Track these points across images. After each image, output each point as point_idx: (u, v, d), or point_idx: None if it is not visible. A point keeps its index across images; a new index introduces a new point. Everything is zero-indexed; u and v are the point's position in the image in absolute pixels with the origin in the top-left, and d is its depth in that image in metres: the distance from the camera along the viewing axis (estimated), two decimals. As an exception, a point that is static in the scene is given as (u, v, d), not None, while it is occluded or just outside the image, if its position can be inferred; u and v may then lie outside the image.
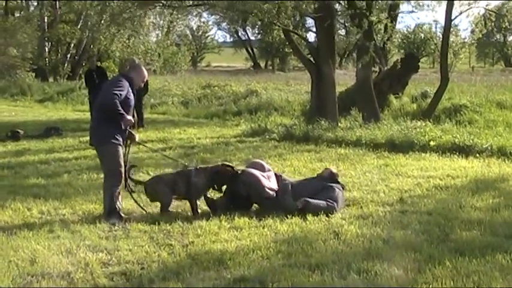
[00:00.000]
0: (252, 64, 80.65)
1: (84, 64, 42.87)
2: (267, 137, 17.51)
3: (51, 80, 42.75)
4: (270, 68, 75.72)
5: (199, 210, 9.07)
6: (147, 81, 20.02)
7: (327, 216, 8.70)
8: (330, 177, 9.65)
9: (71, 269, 6.59)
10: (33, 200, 9.84)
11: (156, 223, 8.38)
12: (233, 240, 7.62)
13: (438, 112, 20.99)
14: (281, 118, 22.29)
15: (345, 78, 31.41)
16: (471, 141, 14.67)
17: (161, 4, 22.31)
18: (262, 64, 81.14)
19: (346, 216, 8.77)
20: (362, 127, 17.58)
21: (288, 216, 8.64)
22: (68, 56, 45.75)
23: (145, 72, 9.33)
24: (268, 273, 6.37)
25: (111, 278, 6.37)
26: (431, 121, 18.41)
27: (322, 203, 8.96)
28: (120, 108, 8.58)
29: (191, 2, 21.54)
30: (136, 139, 9.19)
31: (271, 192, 9.14)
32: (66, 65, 45.13)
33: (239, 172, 9.36)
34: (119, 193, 8.86)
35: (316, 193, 9.16)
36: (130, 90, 8.85)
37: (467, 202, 9.45)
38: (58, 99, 32.36)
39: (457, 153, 14.01)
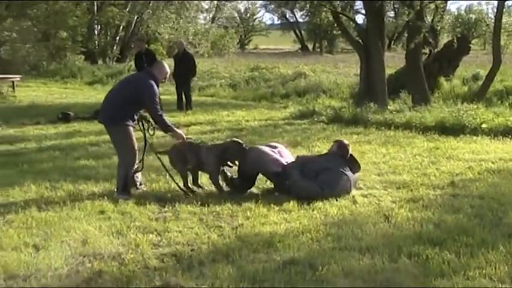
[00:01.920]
0: (300, 46, 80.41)
1: (132, 46, 43.08)
2: (316, 119, 17.46)
3: (100, 62, 43.04)
4: (318, 50, 75.53)
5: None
6: (195, 63, 20.19)
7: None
8: (340, 151, 9.33)
9: (121, 250, 6.65)
10: (83, 181, 9.94)
11: (206, 205, 8.40)
12: (282, 223, 7.61)
13: (490, 94, 20.68)
14: (329, 100, 22.15)
15: (394, 60, 31.14)
16: (524, 124, 14.42)
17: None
18: (310, 46, 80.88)
19: (397, 200, 8.70)
20: (411, 110, 17.38)
21: (338, 199, 8.61)
22: (117, 38, 46.03)
23: (167, 69, 9.47)
24: (318, 256, 6.34)
25: (161, 259, 6.39)
26: (483, 104, 18.13)
27: (310, 187, 8.78)
28: (169, 124, 9.16)
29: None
30: (184, 136, 9.39)
31: (275, 168, 9.10)
32: (115, 47, 45.45)
33: (247, 148, 9.36)
34: (133, 172, 9.25)
35: (319, 173, 8.98)
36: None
37: (521, 186, 9.29)
38: (107, 81, 32.51)
39: (510, 136, 13.83)
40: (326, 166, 9.07)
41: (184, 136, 9.41)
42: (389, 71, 22.42)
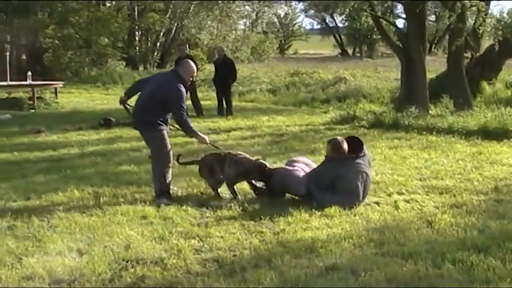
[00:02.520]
0: (340, 51, 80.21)
1: (173, 52, 43.31)
2: (356, 124, 17.40)
3: (141, 68, 43.36)
4: (358, 55, 75.32)
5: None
6: (235, 69, 20.23)
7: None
8: (336, 153, 8.94)
9: (164, 255, 6.68)
10: (125, 186, 9.99)
11: (247, 210, 8.42)
12: (324, 228, 7.57)
13: (534, 98, 20.42)
14: (370, 105, 22.07)
15: (435, 64, 30.94)
16: None
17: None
18: (350, 51, 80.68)
19: (439, 205, 8.62)
20: (453, 114, 17.22)
21: (380, 204, 8.57)
22: (158, 44, 46.31)
23: (194, 67, 9.50)
24: (360, 262, 6.30)
25: (203, 265, 6.40)
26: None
27: (334, 202, 8.50)
28: (193, 128, 9.25)
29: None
30: (207, 140, 9.44)
31: (301, 190, 8.95)
32: (155, 53, 45.75)
33: (270, 171, 9.22)
34: (169, 175, 9.29)
35: (335, 184, 8.69)
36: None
37: None
38: (148, 87, 32.69)
39: (555, 141, 13.63)
40: (337, 174, 8.77)
41: (208, 140, 9.44)
42: (430, 75, 22.24)
